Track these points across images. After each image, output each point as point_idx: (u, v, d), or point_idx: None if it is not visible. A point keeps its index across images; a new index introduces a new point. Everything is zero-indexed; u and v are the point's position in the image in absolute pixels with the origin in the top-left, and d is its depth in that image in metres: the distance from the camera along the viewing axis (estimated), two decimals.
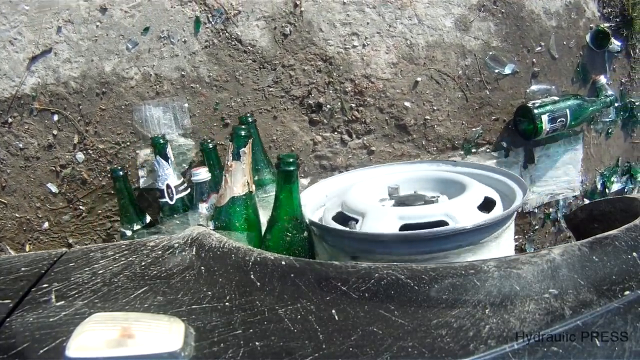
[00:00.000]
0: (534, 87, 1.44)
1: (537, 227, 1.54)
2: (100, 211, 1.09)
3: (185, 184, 1.05)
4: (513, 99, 1.41)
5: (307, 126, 1.19)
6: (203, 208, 1.00)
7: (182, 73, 1.06)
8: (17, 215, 1.06)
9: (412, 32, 1.23)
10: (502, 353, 0.49)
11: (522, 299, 0.56)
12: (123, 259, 0.69)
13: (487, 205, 0.97)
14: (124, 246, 0.72)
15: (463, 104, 1.34)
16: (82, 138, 1.04)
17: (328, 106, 1.18)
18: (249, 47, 1.09)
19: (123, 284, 0.63)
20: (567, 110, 1.39)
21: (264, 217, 0.96)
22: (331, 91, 1.17)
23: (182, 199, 1.03)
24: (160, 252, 0.69)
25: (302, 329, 0.53)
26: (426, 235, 0.83)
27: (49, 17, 0.98)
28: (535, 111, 1.36)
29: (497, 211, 0.96)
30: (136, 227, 1.04)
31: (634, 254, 0.65)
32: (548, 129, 1.37)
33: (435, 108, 1.29)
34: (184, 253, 0.68)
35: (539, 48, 1.41)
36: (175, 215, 1.01)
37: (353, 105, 1.21)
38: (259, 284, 0.61)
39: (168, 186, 1.02)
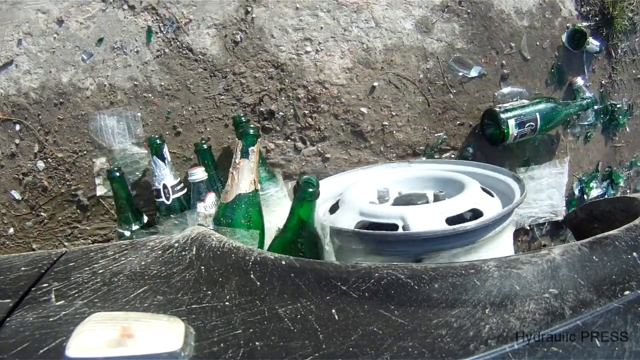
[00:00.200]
0: (503, 90, 1.38)
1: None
2: (60, 218, 1.11)
3: (182, 184, 1.06)
4: (480, 103, 1.36)
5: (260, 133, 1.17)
6: (201, 207, 1.00)
7: (135, 83, 1.07)
8: None
9: (368, 35, 1.19)
10: (502, 353, 0.49)
11: (522, 299, 0.56)
12: (123, 258, 0.69)
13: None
14: (124, 246, 0.72)
15: (425, 108, 1.29)
16: (42, 147, 1.06)
17: (280, 113, 1.16)
18: (199, 56, 1.08)
19: (123, 283, 0.63)
20: (537, 114, 1.32)
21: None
22: (283, 98, 1.15)
23: (179, 199, 1.04)
24: (160, 252, 0.69)
25: (302, 329, 0.53)
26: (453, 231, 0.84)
27: (10, 30, 1.00)
28: (502, 115, 1.28)
29: (496, 208, 0.96)
30: (134, 227, 1.05)
31: (634, 253, 0.65)
32: (516, 134, 1.30)
33: (394, 113, 1.25)
34: (184, 253, 0.68)
35: (509, 49, 1.36)
36: (172, 216, 1.02)
37: (306, 112, 1.18)
38: (259, 283, 0.61)
39: (164, 186, 1.03)
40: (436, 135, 1.31)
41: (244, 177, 0.91)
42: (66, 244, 1.12)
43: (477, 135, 1.37)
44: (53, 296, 0.60)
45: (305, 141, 1.20)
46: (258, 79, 1.13)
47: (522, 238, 1.53)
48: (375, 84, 1.22)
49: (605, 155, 1.62)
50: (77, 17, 1.02)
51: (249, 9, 1.08)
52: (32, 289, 0.62)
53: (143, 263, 0.67)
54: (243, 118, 1.10)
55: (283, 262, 0.63)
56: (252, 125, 0.95)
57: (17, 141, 1.05)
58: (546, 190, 1.46)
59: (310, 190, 0.83)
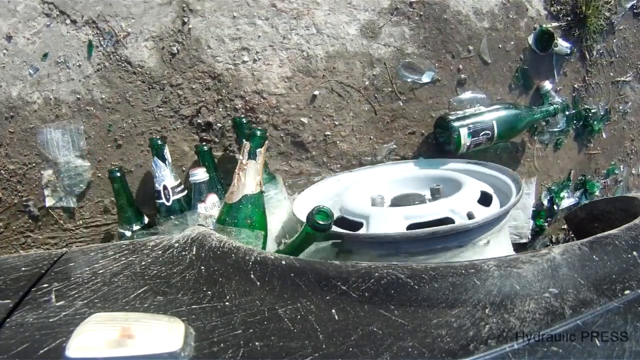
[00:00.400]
0: (460, 96, 1.30)
1: None
2: (14, 227, 1.12)
3: (182, 186, 1.06)
4: (434, 110, 1.28)
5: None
6: (202, 208, 1.00)
7: (78, 96, 1.08)
8: None
9: (309, 42, 1.15)
10: (502, 353, 0.49)
11: (522, 299, 0.56)
12: (123, 258, 0.69)
13: (485, 200, 0.97)
14: (124, 246, 0.72)
15: (371, 117, 1.23)
16: None
17: (219, 124, 1.14)
18: (137, 68, 1.08)
19: (123, 283, 0.63)
20: (494, 122, 1.22)
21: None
22: (221, 109, 1.13)
23: (179, 200, 1.04)
24: (160, 252, 0.69)
25: (302, 329, 0.53)
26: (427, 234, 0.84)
27: None
28: (453, 123, 1.19)
29: (495, 206, 0.96)
30: (134, 228, 1.05)
31: (634, 253, 0.65)
32: (469, 144, 1.20)
33: (336, 123, 1.20)
34: (184, 253, 0.68)
35: (467, 53, 1.28)
36: (172, 217, 1.02)
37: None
38: (259, 283, 0.61)
39: (165, 187, 1.03)
40: (384, 145, 1.25)
41: (250, 178, 0.92)
42: (21, 252, 1.14)
43: (431, 144, 1.30)
44: (53, 296, 0.60)
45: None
46: (195, 90, 1.12)
47: None
48: (316, 92, 1.17)
49: (578, 163, 1.53)
50: (25, 33, 1.03)
51: (186, 19, 1.07)
52: (32, 289, 0.62)
53: (143, 263, 0.67)
54: (244, 119, 1.10)
55: (283, 262, 0.63)
56: (259, 127, 0.96)
57: None
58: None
59: (324, 223, 0.80)
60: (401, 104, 1.25)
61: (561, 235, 1.57)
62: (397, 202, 1.04)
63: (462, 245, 0.86)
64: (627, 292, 0.58)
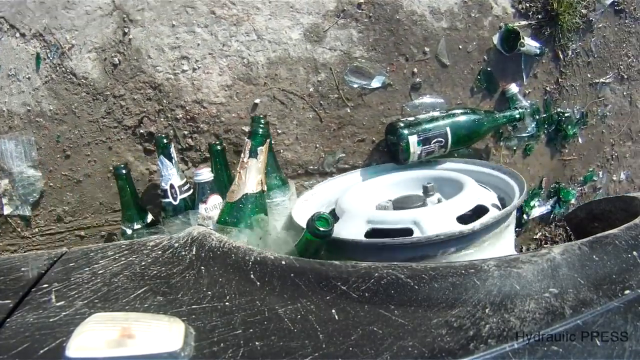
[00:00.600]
0: (416, 101, 1.22)
1: None
2: None
3: (188, 185, 1.05)
4: (385, 117, 1.22)
5: (142, 155, 1.15)
6: (202, 209, 0.99)
7: (28, 108, 1.09)
8: None
9: (249, 49, 1.12)
10: (502, 352, 0.49)
11: (522, 298, 0.56)
12: (123, 259, 0.69)
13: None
14: (124, 246, 0.72)
15: (316, 124, 1.18)
16: None
17: (161, 134, 1.13)
18: (82, 80, 1.09)
19: (123, 284, 0.63)
20: (448, 129, 1.13)
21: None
22: (162, 119, 1.12)
23: (185, 199, 1.03)
24: (160, 252, 0.69)
25: (302, 329, 0.53)
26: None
27: None
28: (402, 131, 1.11)
29: (493, 210, 0.96)
30: (137, 225, 1.05)
31: (634, 253, 0.65)
32: (419, 152, 1.12)
33: (280, 131, 1.16)
34: (184, 253, 0.68)
35: (423, 55, 1.21)
36: (179, 217, 1.01)
37: (186, 132, 1.14)
38: (259, 283, 0.61)
39: (172, 186, 1.02)
40: (331, 153, 1.21)
41: (251, 176, 0.91)
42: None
43: (382, 152, 1.23)
44: (53, 297, 0.60)
45: (187, 162, 1.16)
46: (137, 100, 1.11)
47: None
48: (258, 100, 1.14)
49: (551, 169, 1.44)
50: None
51: (126, 30, 1.07)
52: (32, 289, 0.62)
53: (143, 263, 0.67)
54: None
55: (283, 262, 0.63)
56: (261, 125, 0.94)
57: None
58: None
59: (325, 230, 0.79)
60: (349, 110, 1.20)
61: (532, 245, 1.49)
62: (400, 204, 1.04)
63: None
64: (627, 291, 0.58)
